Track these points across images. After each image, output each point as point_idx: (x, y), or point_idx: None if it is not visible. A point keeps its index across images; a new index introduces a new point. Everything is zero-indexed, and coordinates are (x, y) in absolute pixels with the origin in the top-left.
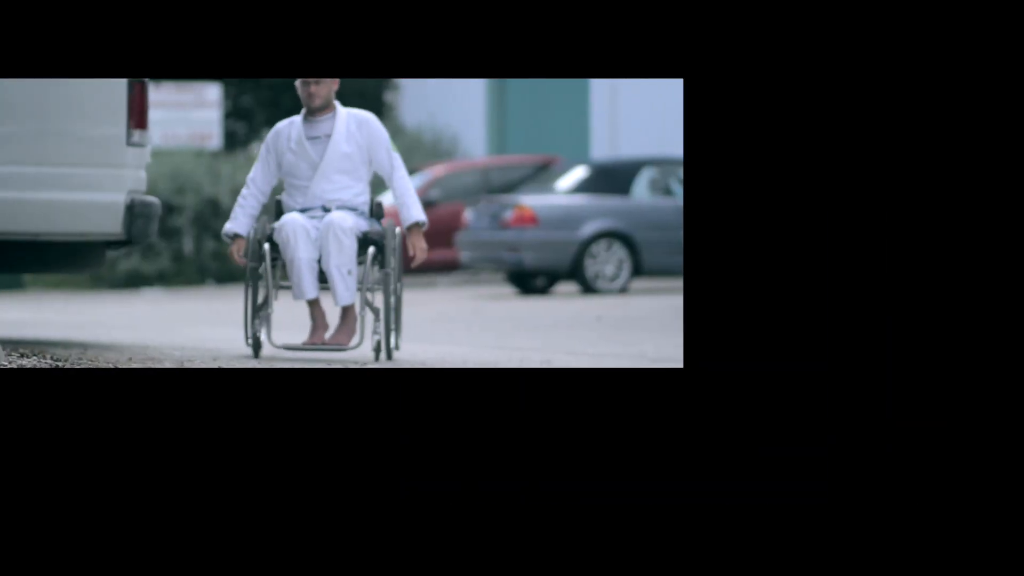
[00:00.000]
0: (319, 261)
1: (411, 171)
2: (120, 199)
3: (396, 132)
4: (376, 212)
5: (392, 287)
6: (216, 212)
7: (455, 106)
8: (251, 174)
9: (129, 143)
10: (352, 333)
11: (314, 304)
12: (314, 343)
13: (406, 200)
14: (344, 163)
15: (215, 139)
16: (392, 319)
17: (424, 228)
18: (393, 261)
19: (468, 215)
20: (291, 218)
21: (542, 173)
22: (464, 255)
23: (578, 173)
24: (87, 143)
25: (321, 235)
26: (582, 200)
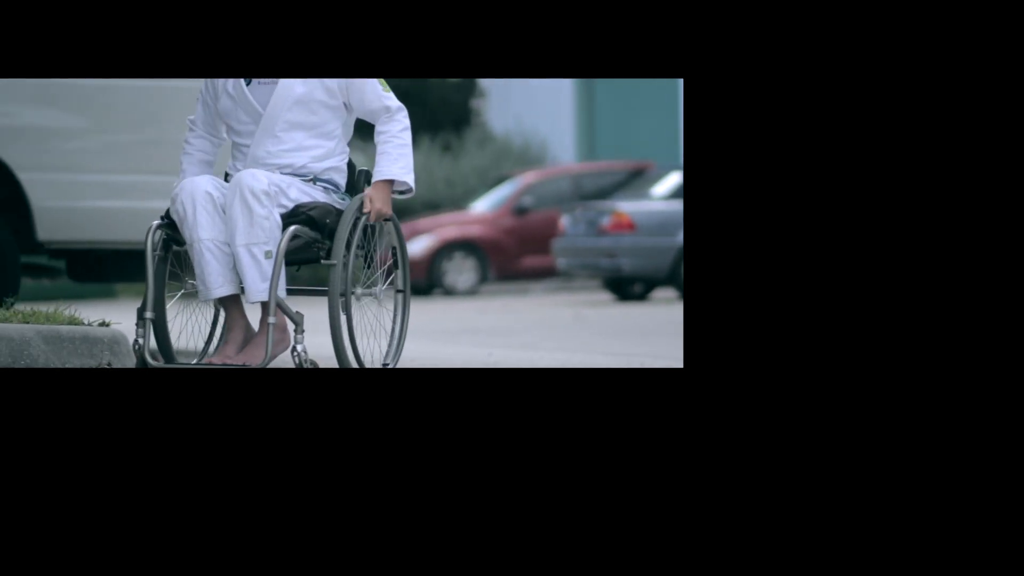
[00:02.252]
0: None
1: (503, 178)
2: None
3: (485, 138)
4: (356, 185)
5: (372, 290)
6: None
7: (542, 111)
8: (192, 116)
9: None
10: (263, 346)
11: (231, 305)
12: (211, 361)
13: (386, 150)
14: (298, 113)
15: None
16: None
17: (407, 195)
18: (346, 250)
19: (564, 222)
20: (190, 183)
21: (635, 179)
22: (561, 261)
23: (674, 179)
24: None
25: (227, 202)
26: (679, 206)
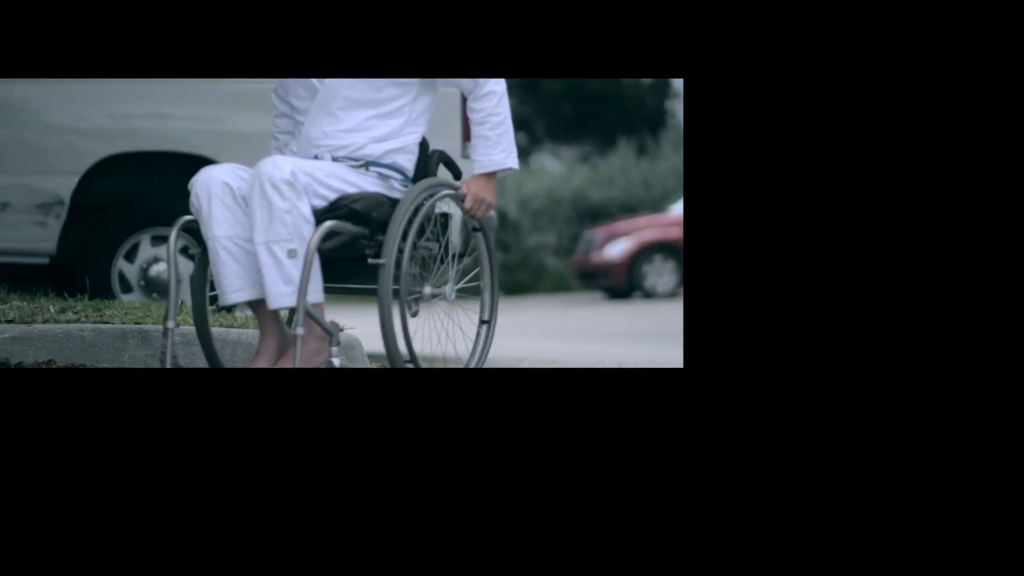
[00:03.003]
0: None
1: None
2: (458, 212)
3: (680, 140)
4: (426, 167)
5: (409, 294)
6: (503, 224)
7: None
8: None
9: (464, 156)
10: (292, 360)
11: (261, 312)
12: None
13: (482, 132)
14: (360, 89)
15: None
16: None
17: (500, 172)
18: (397, 252)
19: None
20: (206, 172)
21: None
22: None
23: None
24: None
25: (247, 194)
26: None
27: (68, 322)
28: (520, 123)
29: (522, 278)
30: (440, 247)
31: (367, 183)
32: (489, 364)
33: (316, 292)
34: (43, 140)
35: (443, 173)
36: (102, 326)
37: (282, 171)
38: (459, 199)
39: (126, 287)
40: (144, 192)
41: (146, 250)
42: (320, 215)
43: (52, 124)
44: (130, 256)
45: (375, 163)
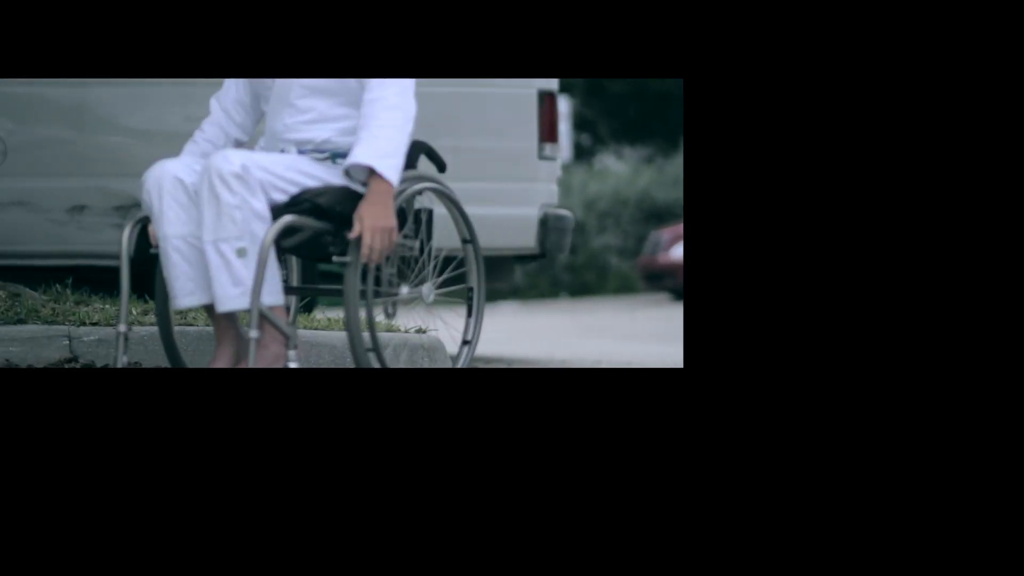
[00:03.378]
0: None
1: None
2: (533, 213)
3: None
4: (409, 159)
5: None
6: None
7: None
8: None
9: (540, 156)
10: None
11: (212, 315)
12: None
13: (367, 126)
14: (319, 80)
15: (565, 152)
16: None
17: (383, 189)
18: (369, 251)
19: None
20: (159, 167)
21: None
22: None
23: None
24: (499, 158)
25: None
26: None
27: (151, 324)
28: (584, 124)
29: (588, 279)
30: (420, 245)
31: (333, 177)
32: (570, 365)
33: (273, 293)
34: (120, 142)
35: (427, 167)
36: (187, 328)
37: (231, 164)
38: (442, 194)
39: None
40: None
41: None
42: (280, 211)
43: (129, 127)
44: None
45: (343, 155)
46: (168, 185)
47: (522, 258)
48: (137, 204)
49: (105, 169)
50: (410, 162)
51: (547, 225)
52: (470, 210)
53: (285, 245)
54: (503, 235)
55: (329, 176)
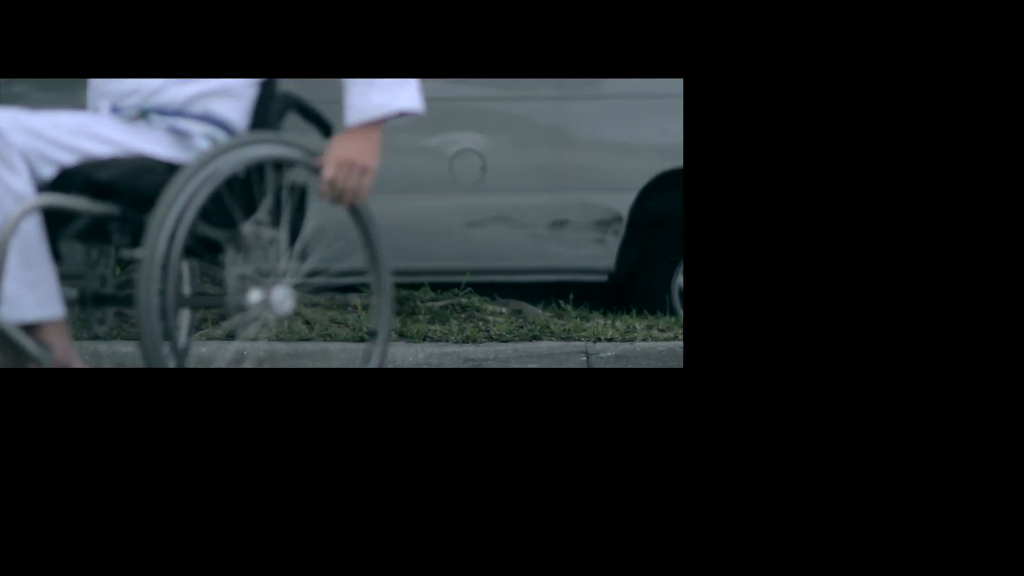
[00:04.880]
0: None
1: None
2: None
3: None
4: (266, 117)
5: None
6: None
7: None
8: None
9: None
10: None
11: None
12: None
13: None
14: None
15: None
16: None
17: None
18: (167, 240)
19: None
20: None
21: None
22: None
23: None
24: None
25: None
26: None
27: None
28: None
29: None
30: (285, 232)
31: (143, 142)
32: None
33: (42, 304)
34: (600, 157)
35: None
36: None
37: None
38: (310, 166)
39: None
40: None
41: None
42: (47, 188)
43: (607, 141)
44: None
45: (169, 112)
46: None
47: None
48: (618, 218)
49: (585, 184)
50: (271, 119)
51: None
52: None
53: (67, 233)
54: None
55: (136, 141)
